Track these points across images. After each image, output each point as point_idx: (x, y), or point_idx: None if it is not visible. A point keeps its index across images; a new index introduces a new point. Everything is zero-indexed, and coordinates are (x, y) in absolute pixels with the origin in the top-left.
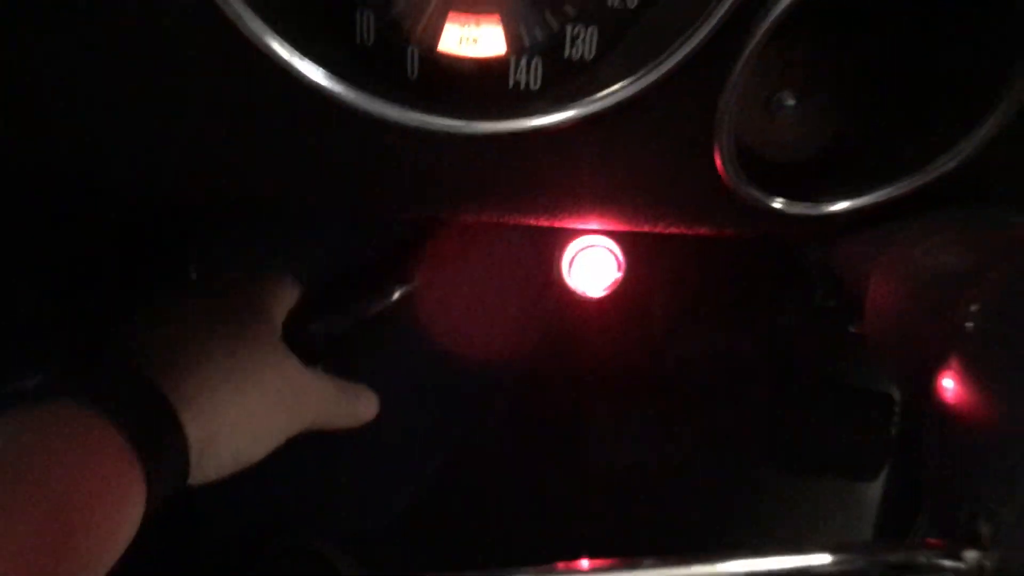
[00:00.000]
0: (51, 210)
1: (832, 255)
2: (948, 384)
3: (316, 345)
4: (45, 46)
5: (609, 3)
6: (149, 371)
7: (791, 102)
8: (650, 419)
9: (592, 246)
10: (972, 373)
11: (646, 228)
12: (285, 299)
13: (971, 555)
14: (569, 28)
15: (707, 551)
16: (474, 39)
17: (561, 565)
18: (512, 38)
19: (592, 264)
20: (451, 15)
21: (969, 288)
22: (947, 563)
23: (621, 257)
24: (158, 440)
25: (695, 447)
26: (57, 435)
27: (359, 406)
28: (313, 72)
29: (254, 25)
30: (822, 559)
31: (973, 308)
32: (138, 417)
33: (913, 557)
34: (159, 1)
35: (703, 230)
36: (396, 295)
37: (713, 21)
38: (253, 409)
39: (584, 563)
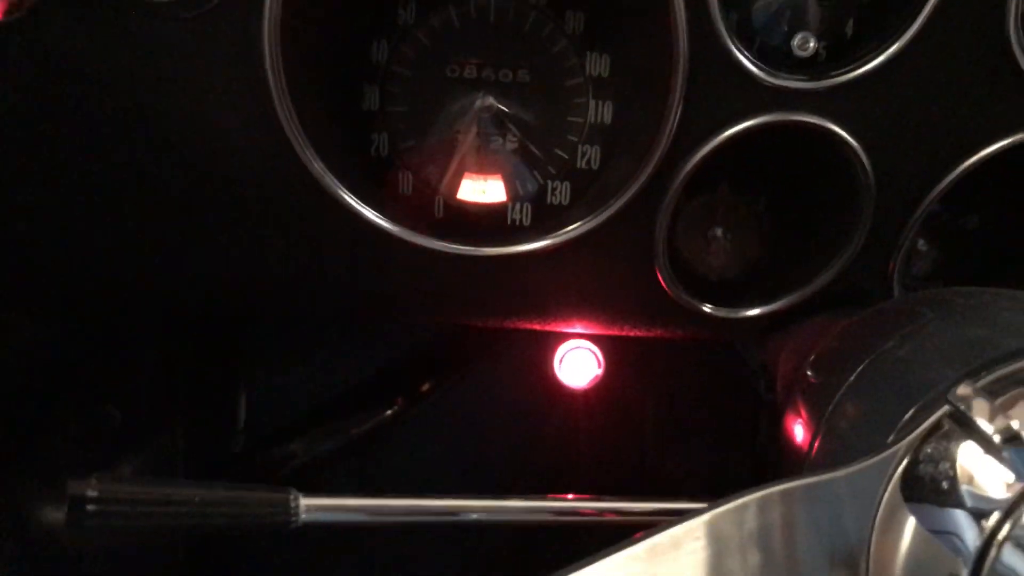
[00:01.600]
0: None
1: (764, 353)
2: (790, 414)
3: None
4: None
5: (578, 166)
6: None
7: (720, 234)
8: (625, 487)
9: (578, 347)
10: (802, 407)
11: (614, 331)
12: None
13: None
14: (550, 183)
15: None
16: (483, 191)
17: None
18: (510, 190)
19: (578, 362)
20: (466, 175)
21: (812, 352)
22: None
23: (601, 357)
24: None
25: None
26: None
27: None
28: (371, 214)
29: (330, 181)
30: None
31: (810, 360)
32: None
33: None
34: (259, 166)
35: (655, 332)
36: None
37: (640, 182)
38: None
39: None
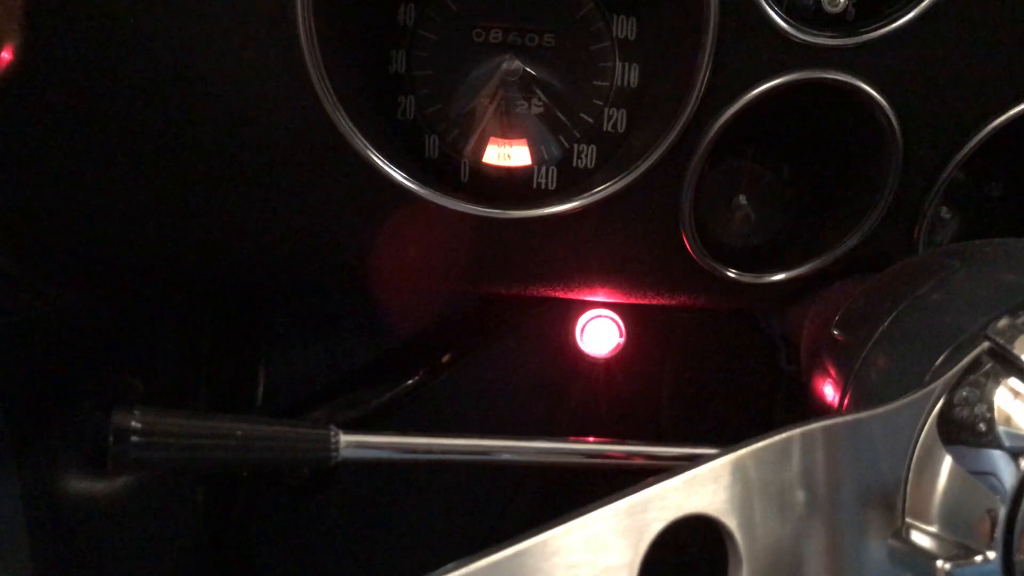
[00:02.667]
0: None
1: (785, 323)
2: (817, 375)
3: None
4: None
5: (604, 129)
6: None
7: (744, 202)
8: None
9: (599, 316)
10: (830, 366)
11: (638, 298)
12: None
13: None
14: (576, 147)
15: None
16: (508, 155)
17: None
18: (535, 154)
19: (599, 331)
20: (492, 139)
21: (836, 312)
22: None
23: (623, 326)
24: None
25: None
26: None
27: None
28: (398, 175)
29: (359, 142)
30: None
31: (836, 320)
32: None
33: None
34: (289, 126)
35: (679, 299)
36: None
37: (667, 143)
38: None
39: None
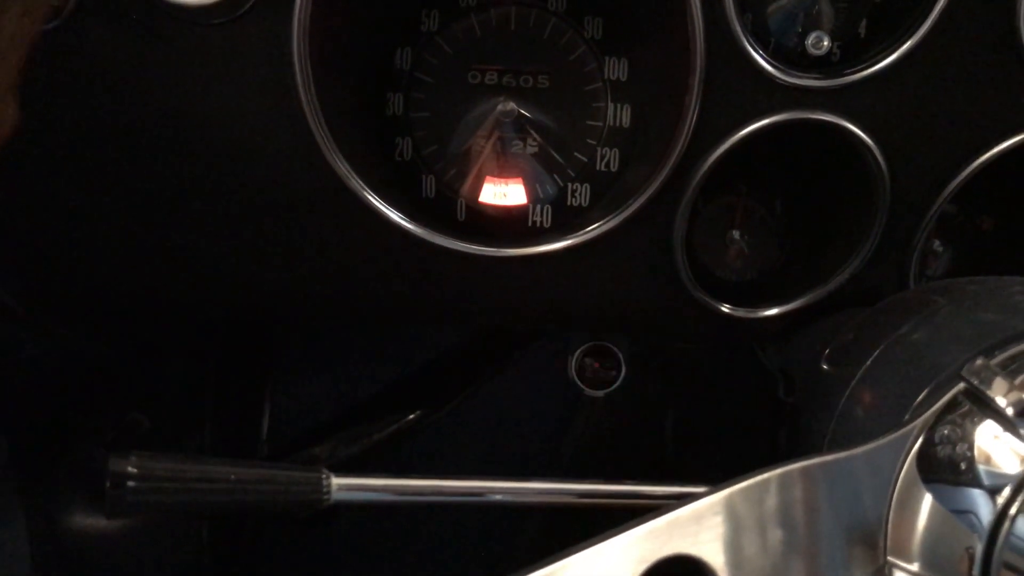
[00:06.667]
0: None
1: (782, 355)
2: (808, 409)
3: None
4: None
5: (598, 168)
6: None
7: (738, 237)
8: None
9: (598, 351)
10: (818, 399)
11: (633, 333)
12: None
13: None
14: (570, 185)
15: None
16: (504, 194)
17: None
18: (531, 193)
19: (598, 366)
20: (488, 178)
21: (826, 345)
22: None
23: (622, 360)
24: None
25: None
26: None
27: None
28: (396, 216)
29: (356, 184)
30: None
31: (826, 354)
32: None
33: None
34: (287, 170)
35: (675, 334)
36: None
37: (658, 182)
38: None
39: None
